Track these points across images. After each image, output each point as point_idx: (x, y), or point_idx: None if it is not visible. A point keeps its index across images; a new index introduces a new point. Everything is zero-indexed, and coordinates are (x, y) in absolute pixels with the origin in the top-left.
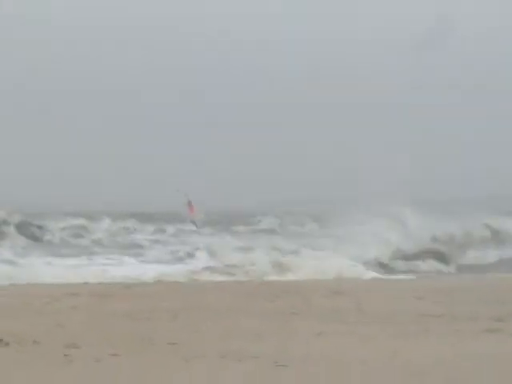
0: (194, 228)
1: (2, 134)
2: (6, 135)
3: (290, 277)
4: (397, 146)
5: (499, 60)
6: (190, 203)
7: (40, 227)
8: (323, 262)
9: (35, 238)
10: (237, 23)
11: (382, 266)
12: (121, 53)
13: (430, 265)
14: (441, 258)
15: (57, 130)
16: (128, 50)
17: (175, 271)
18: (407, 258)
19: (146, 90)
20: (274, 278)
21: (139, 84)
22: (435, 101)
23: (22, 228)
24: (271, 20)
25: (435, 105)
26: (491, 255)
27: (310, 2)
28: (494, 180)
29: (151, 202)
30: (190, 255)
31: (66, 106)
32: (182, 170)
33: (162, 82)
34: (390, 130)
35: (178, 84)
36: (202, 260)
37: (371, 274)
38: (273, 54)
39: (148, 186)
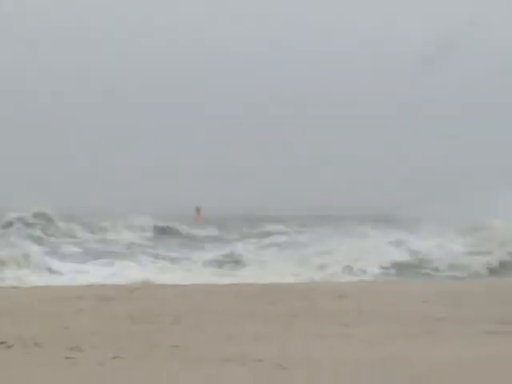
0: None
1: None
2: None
3: None
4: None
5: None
6: (198, 210)
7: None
8: None
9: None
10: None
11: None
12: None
13: None
14: None
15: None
16: (134, 52)
17: None
18: None
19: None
20: (275, 280)
21: (147, 84)
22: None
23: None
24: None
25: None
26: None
27: (310, 16)
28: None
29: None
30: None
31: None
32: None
33: (163, 83)
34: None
35: (185, 85)
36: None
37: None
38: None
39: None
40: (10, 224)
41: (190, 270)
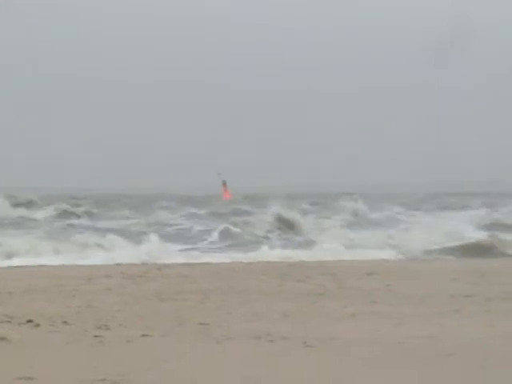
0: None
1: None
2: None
3: None
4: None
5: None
6: (224, 183)
7: None
8: None
9: None
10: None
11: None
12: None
13: None
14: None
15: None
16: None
17: None
18: None
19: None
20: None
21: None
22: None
23: None
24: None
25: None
26: None
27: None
28: None
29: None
30: None
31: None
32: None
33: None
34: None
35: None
36: None
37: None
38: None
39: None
40: None
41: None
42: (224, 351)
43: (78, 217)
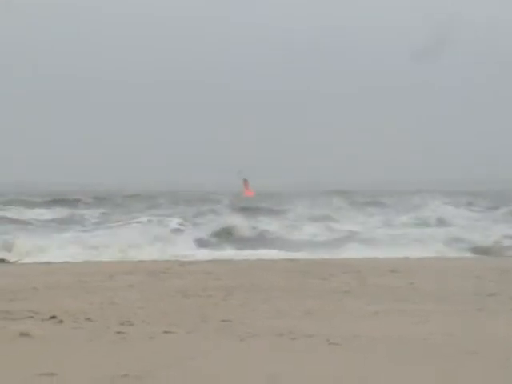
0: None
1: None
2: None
3: None
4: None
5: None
6: (246, 183)
7: None
8: None
9: None
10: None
11: None
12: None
13: None
14: None
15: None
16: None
17: None
18: None
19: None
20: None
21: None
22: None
23: None
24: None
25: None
26: None
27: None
28: None
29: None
30: None
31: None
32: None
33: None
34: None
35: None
36: None
37: None
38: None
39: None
40: None
41: None
42: (247, 348)
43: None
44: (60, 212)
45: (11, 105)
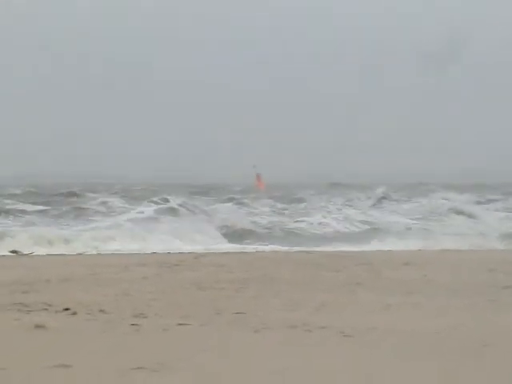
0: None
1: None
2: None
3: None
4: None
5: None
6: (258, 176)
7: None
8: None
9: None
10: None
11: None
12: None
13: None
14: None
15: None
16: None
17: None
18: None
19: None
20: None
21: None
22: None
23: None
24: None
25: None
26: None
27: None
28: None
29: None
30: None
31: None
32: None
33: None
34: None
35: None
36: None
37: None
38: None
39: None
40: None
41: None
42: (261, 341)
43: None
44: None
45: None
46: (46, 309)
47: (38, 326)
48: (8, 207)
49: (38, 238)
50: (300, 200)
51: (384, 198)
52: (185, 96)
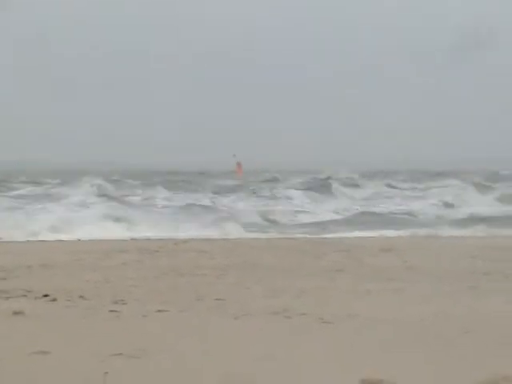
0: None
1: None
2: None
3: None
4: None
5: None
6: (239, 164)
7: None
8: None
9: None
10: None
11: None
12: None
13: None
14: None
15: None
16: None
17: None
18: None
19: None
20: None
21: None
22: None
23: None
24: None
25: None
26: None
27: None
28: None
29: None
30: None
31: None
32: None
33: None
34: None
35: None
36: None
37: None
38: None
39: None
40: None
41: None
42: (241, 327)
43: None
44: None
45: None
46: (25, 295)
47: (16, 313)
48: None
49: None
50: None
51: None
52: (182, 83)
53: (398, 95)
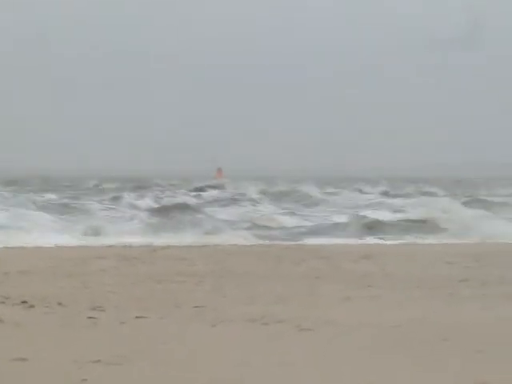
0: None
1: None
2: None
3: None
4: None
5: None
6: (219, 169)
7: None
8: None
9: None
10: None
11: None
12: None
13: None
14: None
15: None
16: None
17: None
18: None
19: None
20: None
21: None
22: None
23: None
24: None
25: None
26: None
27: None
28: None
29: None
30: None
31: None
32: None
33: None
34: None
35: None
36: None
37: None
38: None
39: None
40: None
41: None
42: (219, 334)
43: None
44: None
45: None
46: (3, 302)
47: None
48: None
49: None
50: None
51: None
52: (182, 83)
53: (398, 95)
